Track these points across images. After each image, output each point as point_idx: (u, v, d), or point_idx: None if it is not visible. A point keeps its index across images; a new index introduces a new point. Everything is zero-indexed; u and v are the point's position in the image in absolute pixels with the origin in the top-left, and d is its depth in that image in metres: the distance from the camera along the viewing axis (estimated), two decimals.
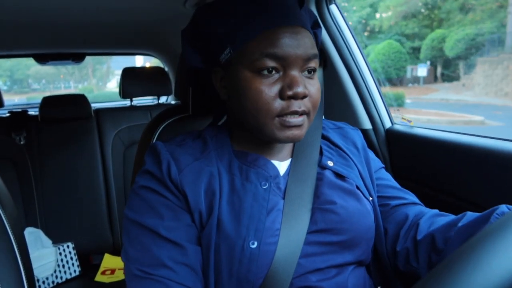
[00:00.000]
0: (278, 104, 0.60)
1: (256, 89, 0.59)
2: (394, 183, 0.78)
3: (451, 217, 0.66)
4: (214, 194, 0.62)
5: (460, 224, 0.60)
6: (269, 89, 0.60)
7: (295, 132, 0.61)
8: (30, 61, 2.34)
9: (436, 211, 0.70)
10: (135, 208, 0.63)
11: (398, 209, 0.72)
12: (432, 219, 0.67)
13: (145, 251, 0.60)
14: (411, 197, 0.75)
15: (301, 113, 0.61)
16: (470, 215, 0.62)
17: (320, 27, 0.71)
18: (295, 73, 0.60)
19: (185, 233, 0.61)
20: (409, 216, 0.70)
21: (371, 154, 0.79)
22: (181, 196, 0.62)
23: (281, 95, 0.60)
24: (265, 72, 0.60)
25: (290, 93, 0.59)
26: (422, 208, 0.72)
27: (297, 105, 0.60)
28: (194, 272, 0.60)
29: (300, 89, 0.59)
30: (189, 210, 0.62)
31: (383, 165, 0.80)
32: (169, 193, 0.62)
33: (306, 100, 0.61)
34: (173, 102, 2.61)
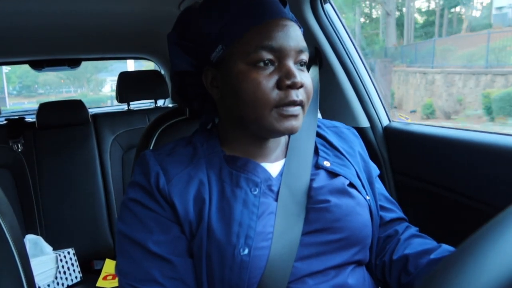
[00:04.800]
0: (276, 94, 0.60)
1: (253, 80, 0.59)
2: (386, 193, 0.79)
3: (427, 241, 0.69)
4: (203, 202, 0.61)
5: (432, 256, 0.63)
6: (267, 80, 0.60)
7: (293, 123, 0.61)
8: None
9: (415, 231, 0.73)
10: (125, 221, 0.63)
11: (388, 221, 0.74)
12: (410, 240, 0.70)
13: (136, 266, 0.60)
14: (399, 212, 0.77)
15: (298, 103, 0.61)
16: (444, 249, 0.64)
17: (301, 27, 0.71)
18: (290, 64, 0.61)
19: (175, 246, 0.61)
20: (398, 233, 0.72)
21: (370, 162, 0.79)
22: (169, 208, 0.61)
23: (279, 85, 0.60)
24: (261, 64, 0.60)
25: (288, 82, 0.59)
26: (406, 224, 0.76)
27: (294, 95, 0.60)
28: (185, 285, 0.60)
29: (297, 79, 0.59)
30: (178, 222, 0.61)
31: (379, 172, 0.81)
32: (157, 205, 0.62)
33: (301, 90, 0.62)
34: (170, 105, 2.60)
